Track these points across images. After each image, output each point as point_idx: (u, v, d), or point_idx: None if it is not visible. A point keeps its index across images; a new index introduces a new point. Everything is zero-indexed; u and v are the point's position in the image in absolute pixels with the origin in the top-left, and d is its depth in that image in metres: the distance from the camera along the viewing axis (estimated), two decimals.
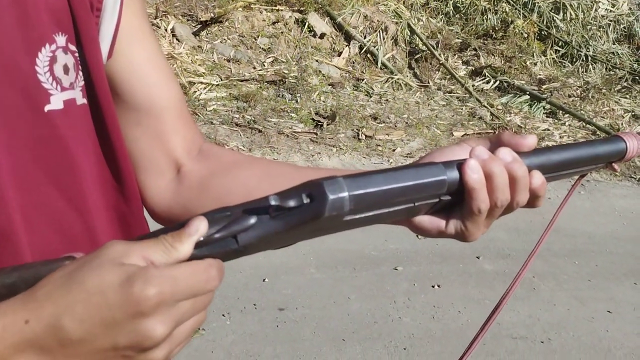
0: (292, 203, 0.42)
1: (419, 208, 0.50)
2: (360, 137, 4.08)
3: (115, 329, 0.37)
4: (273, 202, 0.42)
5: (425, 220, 0.53)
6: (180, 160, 0.65)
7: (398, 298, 2.51)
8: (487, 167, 0.49)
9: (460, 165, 0.49)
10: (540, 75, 5.39)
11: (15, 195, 0.51)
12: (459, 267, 2.80)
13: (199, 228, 0.41)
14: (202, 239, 0.41)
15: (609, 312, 2.59)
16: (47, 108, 0.52)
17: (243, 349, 2.10)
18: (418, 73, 5.14)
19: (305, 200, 0.42)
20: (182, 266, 0.39)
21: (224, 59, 4.49)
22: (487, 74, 5.22)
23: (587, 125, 4.77)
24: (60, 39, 0.54)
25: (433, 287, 2.62)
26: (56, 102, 0.53)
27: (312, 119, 4.17)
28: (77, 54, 0.55)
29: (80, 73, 0.56)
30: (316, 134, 4.01)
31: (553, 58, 5.66)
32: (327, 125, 4.09)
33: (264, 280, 2.50)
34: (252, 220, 0.42)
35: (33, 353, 0.37)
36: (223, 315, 2.25)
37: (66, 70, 0.54)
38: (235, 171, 0.63)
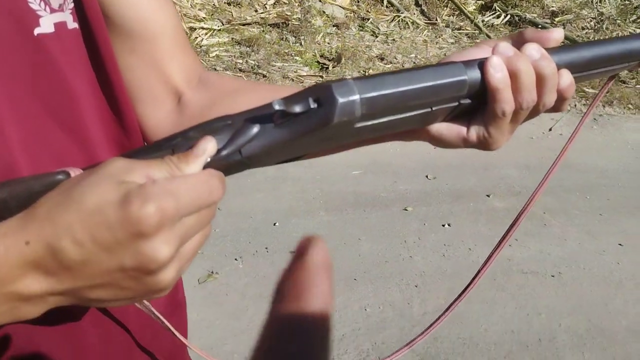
0: (298, 109, 0.38)
1: (436, 114, 0.45)
2: None
3: (118, 250, 0.34)
4: (277, 107, 0.38)
5: (444, 128, 0.48)
6: (179, 88, 0.61)
7: (408, 238, 2.52)
8: (512, 65, 0.45)
9: (482, 63, 0.45)
10: (552, 7, 5.19)
11: (15, 129, 0.48)
12: (469, 206, 2.79)
13: (207, 148, 0.38)
14: (209, 159, 0.39)
15: (620, 245, 2.59)
16: (36, 31, 0.48)
17: (257, 291, 2.13)
18: (425, 10, 4.97)
19: (313, 105, 0.38)
20: (182, 179, 0.36)
21: (225, 3, 4.36)
22: (497, 8, 5.03)
23: None
24: None
25: (443, 226, 2.63)
26: (46, 25, 0.49)
27: (317, 62, 4.07)
28: None
29: None
30: (322, 77, 3.93)
31: None
32: (333, 67, 4.00)
33: (274, 224, 2.52)
34: (255, 129, 0.39)
35: (38, 274, 0.35)
36: (235, 259, 2.28)
37: None
38: (238, 96, 0.59)
